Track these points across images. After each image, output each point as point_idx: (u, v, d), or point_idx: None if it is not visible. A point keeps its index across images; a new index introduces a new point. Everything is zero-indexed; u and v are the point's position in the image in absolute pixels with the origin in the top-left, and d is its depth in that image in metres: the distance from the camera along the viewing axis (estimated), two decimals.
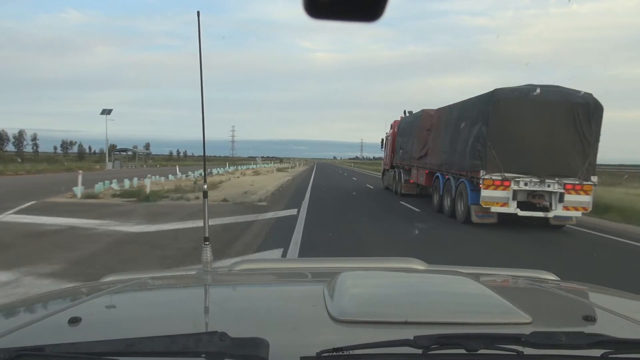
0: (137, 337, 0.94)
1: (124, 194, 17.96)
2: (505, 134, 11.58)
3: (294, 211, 14.08)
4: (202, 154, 2.26)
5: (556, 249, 9.87)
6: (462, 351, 0.95)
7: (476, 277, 1.62)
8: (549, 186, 11.64)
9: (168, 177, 29.56)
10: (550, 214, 11.78)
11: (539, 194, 11.76)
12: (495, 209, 11.83)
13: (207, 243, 2.10)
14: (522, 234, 11.45)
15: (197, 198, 15.99)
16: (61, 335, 1.13)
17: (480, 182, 11.68)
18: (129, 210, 13.63)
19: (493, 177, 11.63)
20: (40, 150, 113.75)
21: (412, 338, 0.95)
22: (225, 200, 16.41)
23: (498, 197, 11.71)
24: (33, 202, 15.01)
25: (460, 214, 13.01)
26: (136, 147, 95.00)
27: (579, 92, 11.83)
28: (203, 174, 2.39)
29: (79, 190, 17.36)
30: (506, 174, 11.61)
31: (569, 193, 11.62)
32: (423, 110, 18.10)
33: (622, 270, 7.98)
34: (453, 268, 1.98)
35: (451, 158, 13.92)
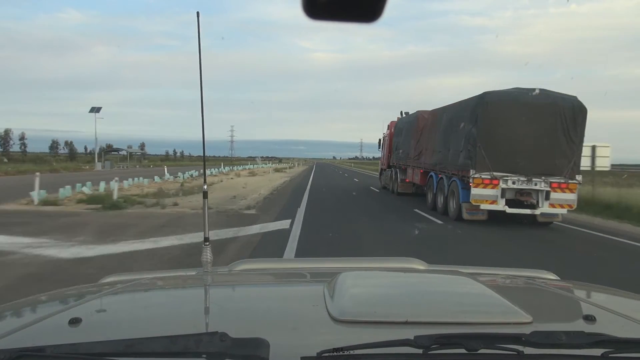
0: (137, 338, 0.91)
1: (92, 199, 14.94)
2: (494, 135, 11.71)
3: (285, 224, 10.92)
4: (202, 154, 2.21)
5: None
6: (463, 351, 0.92)
7: (476, 277, 1.58)
8: (535, 184, 11.75)
9: (154, 179, 26.42)
10: (537, 211, 11.92)
11: (527, 192, 11.87)
12: (485, 206, 11.93)
13: (207, 243, 2.05)
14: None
15: (175, 204, 14.17)
16: (61, 336, 1.10)
17: (471, 180, 11.79)
18: (82, 223, 10.86)
19: (482, 176, 11.73)
20: (36, 150, 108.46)
21: (412, 338, 0.92)
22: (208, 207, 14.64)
23: (487, 195, 11.81)
24: None
25: (452, 211, 13.10)
26: (131, 147, 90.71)
27: (564, 95, 12.00)
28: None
29: (36, 195, 14.69)
30: (495, 173, 11.73)
31: (555, 191, 11.75)
32: (418, 112, 18.12)
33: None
34: (453, 268, 1.94)
35: (444, 158, 13.99)
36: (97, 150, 59.48)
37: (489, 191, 11.76)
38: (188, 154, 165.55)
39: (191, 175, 30.94)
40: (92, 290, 1.59)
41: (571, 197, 11.80)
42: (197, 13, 1.99)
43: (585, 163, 16.18)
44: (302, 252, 7.79)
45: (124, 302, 1.50)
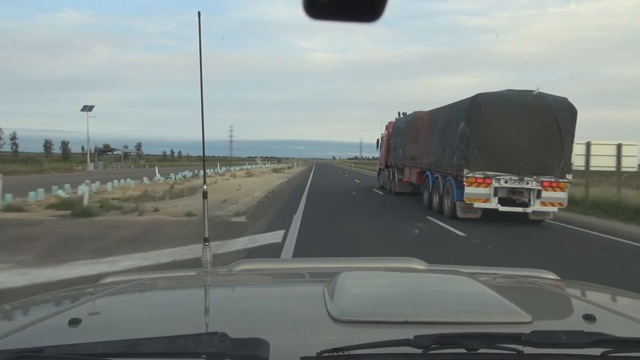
0: (137, 338, 0.89)
1: (63, 204, 12.83)
2: (487, 136, 11.76)
3: (278, 235, 9.13)
4: (201, 154, 2.17)
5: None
6: (463, 350, 0.90)
7: (476, 276, 1.55)
8: (527, 183, 11.81)
9: (143, 180, 24.06)
10: (529, 209, 11.97)
11: (519, 191, 11.93)
12: (478, 204, 11.99)
13: (207, 244, 2.02)
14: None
15: (156, 210, 12.43)
16: (61, 336, 1.07)
17: (464, 180, 11.83)
18: (37, 235, 9.00)
19: (476, 175, 11.77)
20: (35, 150, 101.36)
21: (412, 338, 0.90)
22: (190, 214, 11.67)
23: (480, 193, 11.86)
24: None
25: (447, 209, 13.14)
26: (127, 147, 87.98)
27: (555, 97, 12.06)
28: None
29: None
30: (488, 173, 11.77)
31: (546, 190, 11.81)
32: (415, 112, 18.13)
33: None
34: (453, 268, 1.91)
35: (439, 158, 14.01)
36: (89, 150, 56.34)
37: (482, 190, 11.81)
38: (186, 154, 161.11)
39: (184, 176, 29.02)
40: (92, 290, 1.56)
41: (562, 195, 11.88)
42: (199, 13, 1.96)
43: (608, 163, 15.55)
44: None
45: (124, 303, 1.47)
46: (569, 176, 11.90)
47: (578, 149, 14.90)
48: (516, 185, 11.78)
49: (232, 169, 46.72)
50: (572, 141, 11.97)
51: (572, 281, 1.84)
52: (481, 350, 0.89)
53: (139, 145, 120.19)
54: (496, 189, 11.78)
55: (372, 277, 1.62)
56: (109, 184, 19.70)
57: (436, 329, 0.97)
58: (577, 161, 15.12)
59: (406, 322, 1.09)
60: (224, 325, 1.07)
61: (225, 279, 1.88)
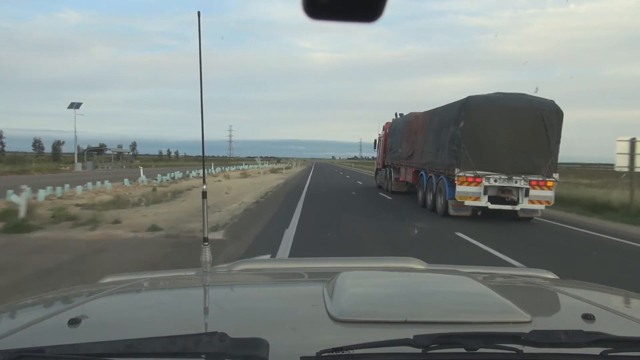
0: (137, 338, 0.86)
1: (2, 215, 10.02)
2: (477, 136, 11.83)
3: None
4: (200, 154, 2.12)
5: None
6: (462, 350, 0.87)
7: (475, 276, 1.52)
8: (516, 182, 11.88)
9: (124, 182, 21.42)
10: (518, 207, 12.04)
11: (508, 189, 12.01)
12: (469, 202, 12.06)
13: (207, 243, 1.97)
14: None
15: (116, 222, 9.70)
16: (61, 336, 1.04)
17: (456, 179, 11.89)
18: None
19: (466, 175, 11.84)
20: (27, 150, 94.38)
21: (411, 337, 0.87)
22: (154, 228, 8.98)
23: (471, 192, 11.92)
24: None
25: (439, 207, 13.22)
26: (121, 147, 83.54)
27: (542, 99, 12.15)
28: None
29: None
30: (478, 172, 11.84)
31: (534, 188, 11.89)
32: (411, 113, 18.12)
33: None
34: (452, 267, 1.88)
35: (433, 157, 14.06)
36: (76, 150, 52.07)
37: (472, 188, 11.87)
38: (184, 154, 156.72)
39: (172, 178, 26.34)
40: (92, 290, 1.52)
41: (549, 194, 11.96)
42: (199, 13, 1.91)
43: (619, 162, 13.46)
44: None
45: (124, 302, 1.44)
46: (556, 175, 11.99)
47: (620, 147, 13.08)
48: (505, 184, 11.85)
49: (227, 169, 43.19)
50: (558, 141, 12.02)
51: (571, 281, 1.81)
52: (481, 350, 0.87)
53: (133, 145, 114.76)
54: (486, 188, 11.85)
55: (372, 276, 1.58)
56: (79, 187, 16.95)
57: (436, 328, 0.94)
58: (620, 161, 13.31)
59: (406, 322, 1.06)
60: (223, 325, 1.04)
61: (224, 278, 1.84)
